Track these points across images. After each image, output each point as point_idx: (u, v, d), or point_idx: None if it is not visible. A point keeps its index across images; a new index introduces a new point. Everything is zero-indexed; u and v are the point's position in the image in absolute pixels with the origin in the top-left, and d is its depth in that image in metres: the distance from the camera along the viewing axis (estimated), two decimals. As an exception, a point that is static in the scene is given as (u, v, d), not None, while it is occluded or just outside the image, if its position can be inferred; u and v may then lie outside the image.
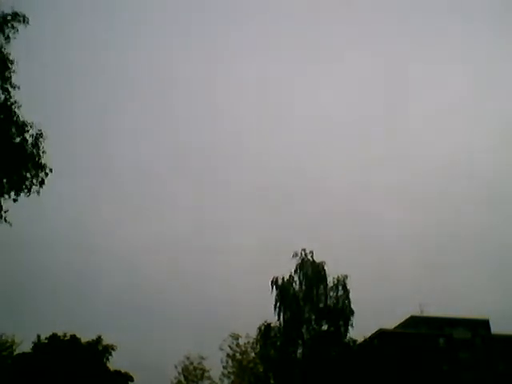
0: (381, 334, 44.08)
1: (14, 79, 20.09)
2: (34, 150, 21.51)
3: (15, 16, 20.31)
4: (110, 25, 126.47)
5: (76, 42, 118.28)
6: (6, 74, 19.87)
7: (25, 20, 20.45)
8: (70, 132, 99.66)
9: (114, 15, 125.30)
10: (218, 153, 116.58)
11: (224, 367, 52.23)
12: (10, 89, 20.17)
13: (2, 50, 19.91)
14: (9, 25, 20.17)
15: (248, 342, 51.55)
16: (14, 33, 20.33)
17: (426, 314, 46.72)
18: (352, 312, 41.55)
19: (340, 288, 42.31)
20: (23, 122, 21.00)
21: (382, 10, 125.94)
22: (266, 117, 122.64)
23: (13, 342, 51.70)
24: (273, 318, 42.42)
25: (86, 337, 53.81)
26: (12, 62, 20.20)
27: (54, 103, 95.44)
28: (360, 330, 42.72)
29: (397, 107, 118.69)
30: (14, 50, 20.03)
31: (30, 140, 21.38)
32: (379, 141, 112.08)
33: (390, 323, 47.25)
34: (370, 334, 44.11)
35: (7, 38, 20.14)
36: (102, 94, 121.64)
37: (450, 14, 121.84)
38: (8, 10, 20.25)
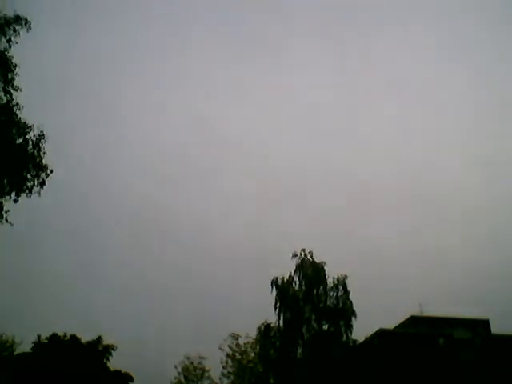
0: (381, 334, 43.97)
1: (16, 82, 20.26)
2: (35, 152, 21.67)
3: (17, 19, 20.45)
4: (112, 26, 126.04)
5: (79, 45, 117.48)
6: (9, 76, 20.01)
7: (27, 23, 20.61)
8: (72, 134, 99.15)
9: (115, 16, 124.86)
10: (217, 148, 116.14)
11: (224, 367, 52.44)
12: (12, 91, 20.31)
13: (5, 53, 20.07)
14: (11, 27, 20.29)
15: (248, 342, 51.74)
16: (16, 36, 20.48)
17: (425, 313, 46.72)
18: (354, 313, 41.75)
19: (340, 288, 42.48)
20: (24, 123, 21.16)
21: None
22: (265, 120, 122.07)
23: (13, 341, 51.75)
24: (273, 318, 42.62)
25: (86, 337, 53.96)
26: (15, 66, 20.36)
27: (55, 105, 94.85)
28: (360, 330, 42.88)
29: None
30: (16, 53, 20.13)
31: (30, 141, 21.54)
32: (379, 142, 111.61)
33: (390, 323, 47.27)
34: (369, 334, 44.14)
35: (9, 41, 20.28)
36: (105, 95, 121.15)
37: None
38: (10, 14, 20.39)
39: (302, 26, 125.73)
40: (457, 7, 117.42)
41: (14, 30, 20.36)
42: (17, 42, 20.31)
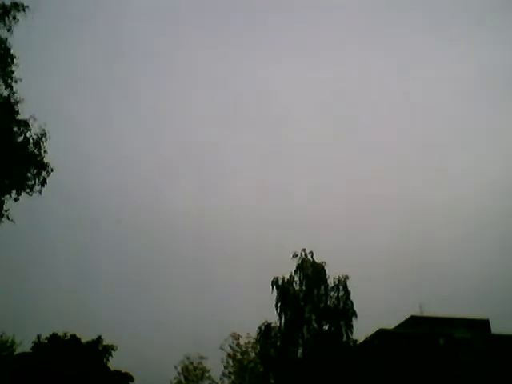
0: (381, 334, 43.95)
1: (16, 73, 20.23)
2: (36, 150, 21.68)
3: (15, 6, 20.42)
4: (114, 20, 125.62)
5: (81, 38, 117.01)
6: (9, 68, 19.98)
7: (24, 8, 20.53)
8: (74, 130, 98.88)
9: (117, 9, 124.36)
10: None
11: (224, 367, 52.57)
12: (13, 84, 20.28)
13: (5, 43, 20.04)
14: (10, 15, 20.27)
15: (248, 342, 51.92)
16: (16, 23, 20.45)
17: (425, 314, 46.73)
18: (354, 313, 41.81)
19: (341, 288, 42.52)
20: (25, 121, 21.16)
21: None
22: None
23: (13, 341, 51.76)
24: (273, 318, 42.65)
25: (86, 337, 53.98)
26: (14, 57, 20.33)
27: (56, 99, 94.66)
28: (360, 330, 42.89)
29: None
30: (15, 46, 20.09)
31: (31, 139, 21.56)
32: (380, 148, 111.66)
33: (390, 323, 47.30)
34: (369, 334, 44.17)
35: (10, 30, 20.27)
36: (107, 89, 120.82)
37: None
38: (8, 2, 20.39)
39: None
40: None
41: (14, 18, 20.35)
42: (16, 26, 20.15)
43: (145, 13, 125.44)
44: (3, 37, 20.12)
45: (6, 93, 20.27)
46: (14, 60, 20.22)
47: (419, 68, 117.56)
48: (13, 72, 20.11)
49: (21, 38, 20.36)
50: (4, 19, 20.01)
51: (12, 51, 20.21)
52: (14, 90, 20.43)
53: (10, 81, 20.07)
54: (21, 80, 20.58)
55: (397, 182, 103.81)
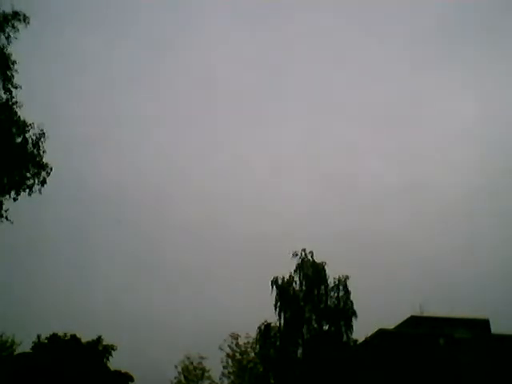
0: (381, 334, 43.91)
1: (15, 79, 20.31)
2: (35, 150, 21.73)
3: (15, 15, 20.49)
4: (114, 21, 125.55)
5: (80, 41, 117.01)
6: (8, 73, 20.06)
7: (25, 19, 20.66)
8: (73, 132, 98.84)
9: (115, 12, 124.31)
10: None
11: (224, 367, 52.60)
12: (12, 89, 20.38)
13: (4, 50, 20.12)
14: (9, 24, 20.33)
15: (248, 342, 51.93)
16: (15, 32, 20.54)
17: (425, 314, 46.70)
18: (354, 313, 41.86)
19: (341, 288, 42.57)
20: (24, 121, 21.22)
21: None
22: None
23: (13, 342, 51.81)
24: (273, 318, 42.67)
25: (86, 337, 54.03)
26: (14, 62, 20.41)
27: (56, 103, 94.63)
28: (360, 330, 42.89)
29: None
30: (15, 50, 20.15)
31: (30, 140, 21.61)
32: (381, 141, 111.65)
33: (390, 323, 47.28)
34: (369, 334, 44.15)
35: (8, 38, 20.34)
36: (107, 94, 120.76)
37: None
38: (8, 10, 20.45)
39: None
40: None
41: (13, 27, 20.42)
42: (16, 38, 20.42)
43: (144, 11, 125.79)
44: (2, 43, 20.24)
45: (5, 97, 20.36)
46: (14, 66, 20.30)
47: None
48: (12, 77, 20.22)
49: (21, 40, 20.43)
50: (3, 26, 20.09)
51: (12, 57, 20.34)
52: (14, 94, 20.54)
53: (9, 85, 20.18)
54: (21, 87, 20.70)
55: (397, 181, 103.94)
